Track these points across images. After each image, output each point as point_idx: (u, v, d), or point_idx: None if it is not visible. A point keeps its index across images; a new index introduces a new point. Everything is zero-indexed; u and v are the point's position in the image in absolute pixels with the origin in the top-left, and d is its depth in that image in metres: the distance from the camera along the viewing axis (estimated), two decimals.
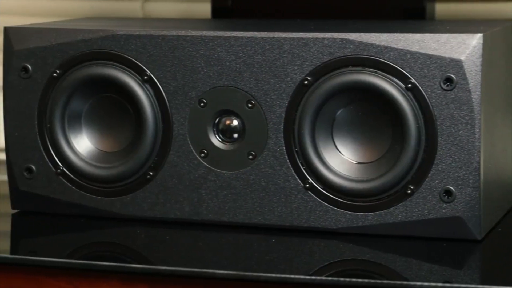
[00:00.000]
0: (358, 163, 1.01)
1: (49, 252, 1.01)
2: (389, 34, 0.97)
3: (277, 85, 1.01)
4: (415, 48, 0.96)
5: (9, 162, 1.10)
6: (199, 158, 1.04)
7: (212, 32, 1.03)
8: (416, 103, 0.97)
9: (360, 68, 0.98)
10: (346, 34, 0.98)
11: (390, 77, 0.97)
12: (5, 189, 1.13)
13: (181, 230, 1.05)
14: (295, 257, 0.97)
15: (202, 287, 0.94)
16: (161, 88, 1.04)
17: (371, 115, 1.00)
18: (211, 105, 1.03)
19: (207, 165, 1.04)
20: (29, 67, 1.07)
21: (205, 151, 1.04)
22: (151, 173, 1.05)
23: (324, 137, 1.01)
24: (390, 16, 1.26)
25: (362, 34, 0.98)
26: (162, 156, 1.05)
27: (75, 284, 0.97)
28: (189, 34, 1.03)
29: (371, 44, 0.97)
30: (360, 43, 0.98)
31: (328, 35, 0.99)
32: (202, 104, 1.03)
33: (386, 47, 0.97)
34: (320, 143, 1.00)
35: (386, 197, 0.99)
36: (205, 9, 1.41)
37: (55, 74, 1.07)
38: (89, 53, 1.06)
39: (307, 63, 0.99)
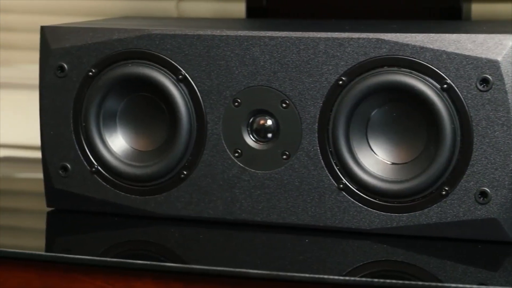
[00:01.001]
0: (393, 163, 1.00)
1: (83, 250, 1.01)
2: (424, 34, 0.97)
3: (312, 85, 1.01)
4: (451, 49, 0.96)
5: (44, 161, 1.11)
6: (233, 157, 1.04)
7: (247, 32, 1.03)
8: (451, 104, 0.96)
9: (395, 68, 0.98)
10: (382, 34, 0.98)
11: (426, 77, 0.97)
12: (41, 187, 1.13)
13: (215, 230, 1.05)
14: (329, 258, 0.97)
15: (235, 286, 0.94)
16: (195, 88, 1.05)
17: (406, 116, 1.00)
18: (246, 104, 1.03)
19: (241, 164, 1.04)
20: (65, 66, 1.08)
21: (239, 151, 1.04)
22: (185, 172, 1.06)
23: (359, 138, 1.00)
24: (426, 17, 1.25)
25: (397, 34, 0.98)
26: (196, 156, 1.05)
27: (110, 282, 0.97)
28: (224, 34, 1.03)
29: (407, 45, 0.97)
30: (396, 43, 0.97)
31: (363, 35, 0.99)
32: (236, 103, 1.03)
33: (421, 48, 0.97)
34: (354, 144, 1.00)
35: (420, 198, 0.98)
36: (239, 9, 1.41)
37: (90, 73, 1.07)
38: (124, 52, 1.06)
39: (342, 63, 0.99)
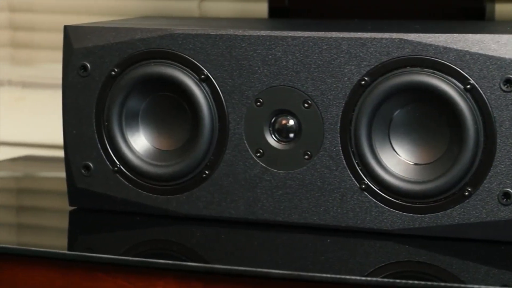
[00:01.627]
0: (415, 164, 1.00)
1: (105, 249, 1.02)
2: (448, 34, 0.97)
3: (334, 85, 1.00)
4: (474, 49, 0.95)
5: (67, 160, 1.11)
6: (255, 157, 1.04)
7: (269, 31, 1.03)
8: (474, 104, 0.96)
9: (418, 68, 0.97)
10: (405, 34, 0.98)
11: (449, 78, 0.96)
12: (63, 186, 1.14)
13: (236, 229, 1.05)
14: (350, 258, 0.97)
15: (256, 286, 0.94)
16: (218, 87, 1.05)
17: (428, 116, 0.99)
18: (268, 104, 1.03)
19: (262, 164, 1.04)
20: (88, 65, 1.08)
21: (261, 151, 1.04)
22: (207, 172, 1.06)
23: (381, 138, 1.00)
24: (449, 17, 1.24)
25: (420, 34, 0.97)
26: (218, 155, 1.05)
27: (131, 281, 0.97)
28: (247, 34, 1.03)
29: (430, 45, 0.97)
30: (419, 43, 0.97)
31: (386, 35, 0.98)
32: (258, 103, 1.03)
33: (445, 48, 0.96)
34: (376, 144, 1.00)
35: (443, 199, 0.98)
36: (261, 9, 1.42)
37: (113, 73, 1.08)
38: (147, 52, 1.07)
39: (365, 63, 0.99)
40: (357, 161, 1.00)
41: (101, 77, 1.08)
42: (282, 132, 1.04)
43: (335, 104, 1.00)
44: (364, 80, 0.99)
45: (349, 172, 1.01)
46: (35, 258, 1.01)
